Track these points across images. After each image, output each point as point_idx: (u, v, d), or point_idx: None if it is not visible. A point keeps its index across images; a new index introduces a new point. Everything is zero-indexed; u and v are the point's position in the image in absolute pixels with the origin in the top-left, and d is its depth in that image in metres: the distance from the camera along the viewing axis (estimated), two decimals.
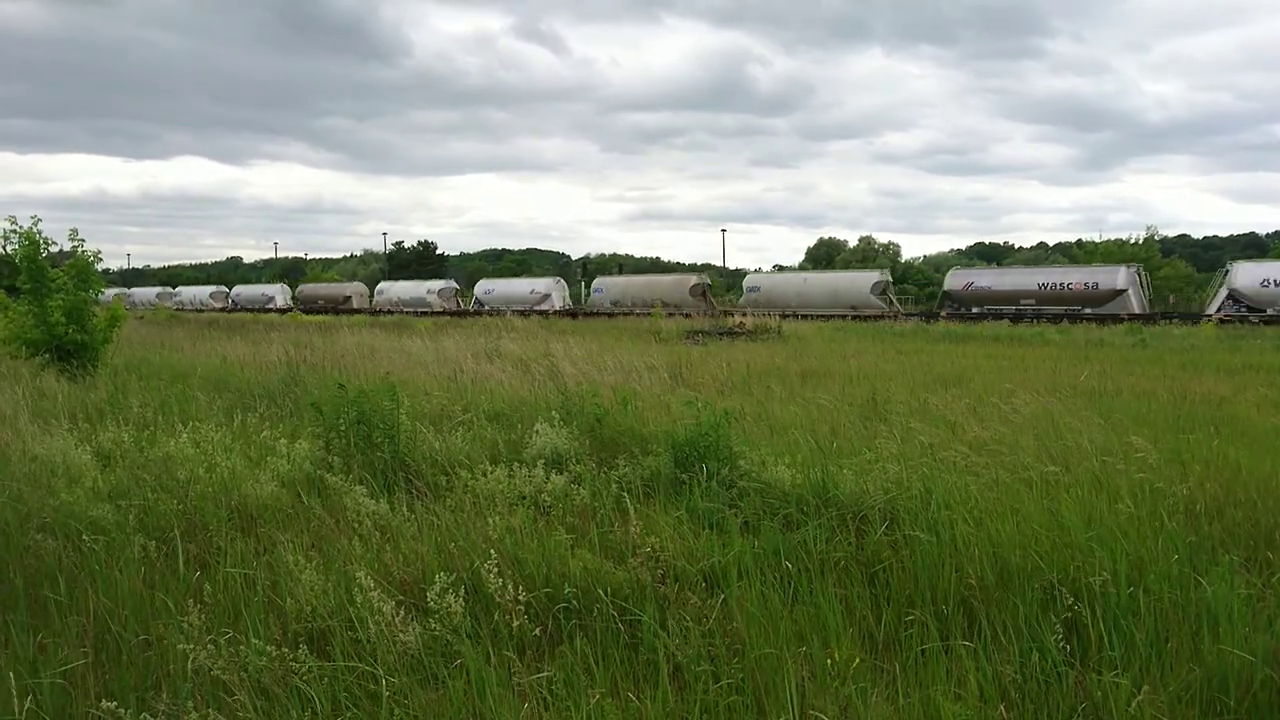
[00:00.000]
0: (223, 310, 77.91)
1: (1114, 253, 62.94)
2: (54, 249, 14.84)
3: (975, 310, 47.95)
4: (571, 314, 57.58)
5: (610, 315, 51.11)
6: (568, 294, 67.72)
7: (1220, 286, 44.06)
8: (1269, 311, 40.52)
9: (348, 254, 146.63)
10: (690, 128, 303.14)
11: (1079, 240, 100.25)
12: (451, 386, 11.75)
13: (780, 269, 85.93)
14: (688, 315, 44.98)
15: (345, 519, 5.99)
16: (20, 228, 14.37)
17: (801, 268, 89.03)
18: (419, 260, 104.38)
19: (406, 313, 60.60)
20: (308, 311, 63.52)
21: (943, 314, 48.39)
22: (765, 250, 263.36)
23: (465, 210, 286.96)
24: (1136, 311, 43.80)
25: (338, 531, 5.75)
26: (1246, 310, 41.37)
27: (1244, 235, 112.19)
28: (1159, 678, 3.96)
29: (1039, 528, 5.20)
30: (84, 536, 5.60)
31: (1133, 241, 67.90)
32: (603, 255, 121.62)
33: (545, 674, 4.01)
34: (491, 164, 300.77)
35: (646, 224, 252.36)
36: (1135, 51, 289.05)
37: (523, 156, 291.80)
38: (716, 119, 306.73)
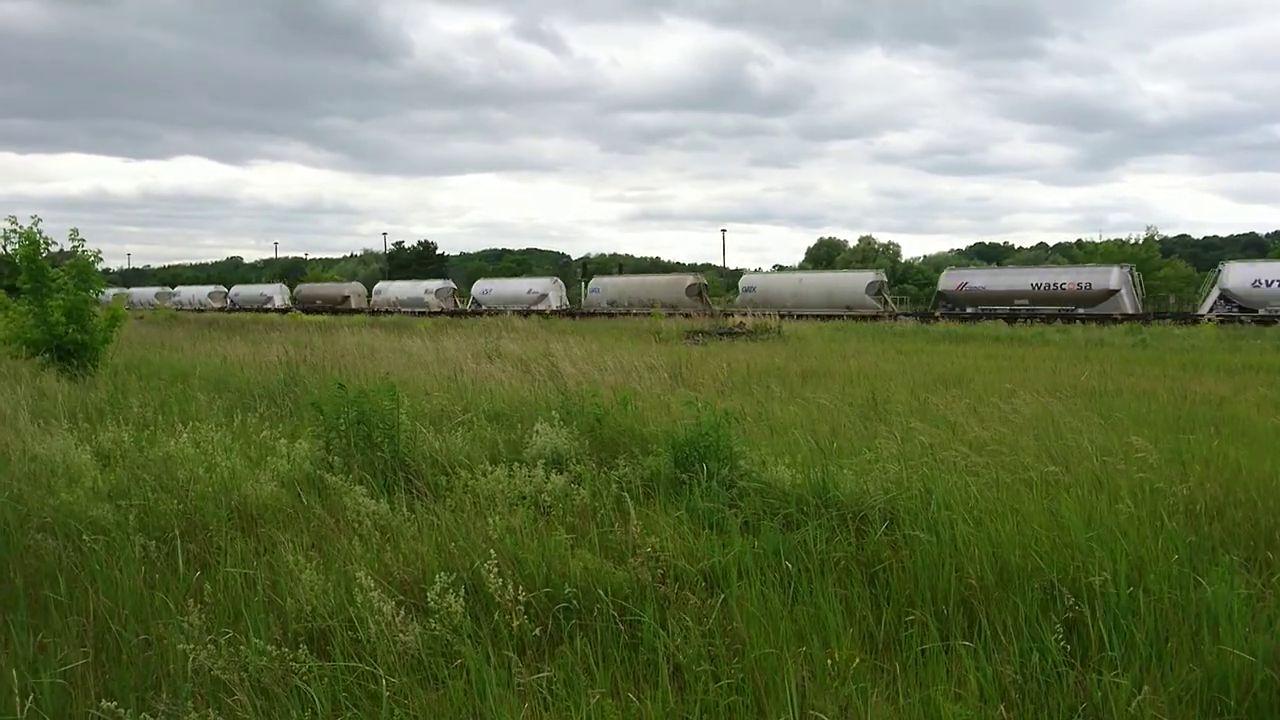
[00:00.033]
0: (221, 310, 77.91)
1: (1114, 253, 62.95)
2: (54, 249, 14.83)
3: (970, 310, 48.06)
4: (569, 314, 57.67)
5: (610, 315, 51.16)
6: (564, 294, 67.90)
7: (1212, 287, 44.33)
8: (1260, 312, 40.73)
9: (348, 254, 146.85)
10: (690, 128, 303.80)
11: (1079, 240, 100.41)
12: (451, 386, 11.75)
13: (780, 269, 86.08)
14: (687, 315, 45.07)
15: (345, 519, 5.99)
16: (20, 228, 14.38)
17: (801, 268, 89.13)
18: (419, 260, 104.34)
19: (405, 313, 60.68)
20: (306, 311, 63.53)
21: (937, 314, 48.52)
22: (765, 250, 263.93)
23: (465, 210, 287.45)
24: (1129, 311, 44.02)
25: (338, 531, 5.74)
26: (1238, 310, 41.55)
27: (1244, 235, 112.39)
28: (1159, 678, 3.96)
29: (1039, 528, 5.20)
30: (84, 536, 5.60)
31: (1133, 242, 67.94)
32: (603, 255, 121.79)
33: (545, 674, 4.00)
34: (491, 164, 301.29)
35: (647, 224, 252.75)
36: (1135, 51, 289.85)
37: (523, 156, 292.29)
38: (716, 119, 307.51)
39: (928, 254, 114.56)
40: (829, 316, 45.12)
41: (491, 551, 4.87)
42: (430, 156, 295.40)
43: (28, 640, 4.39)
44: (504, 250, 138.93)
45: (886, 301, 53.27)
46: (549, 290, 66.47)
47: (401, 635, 4.22)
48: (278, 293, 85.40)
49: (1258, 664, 3.91)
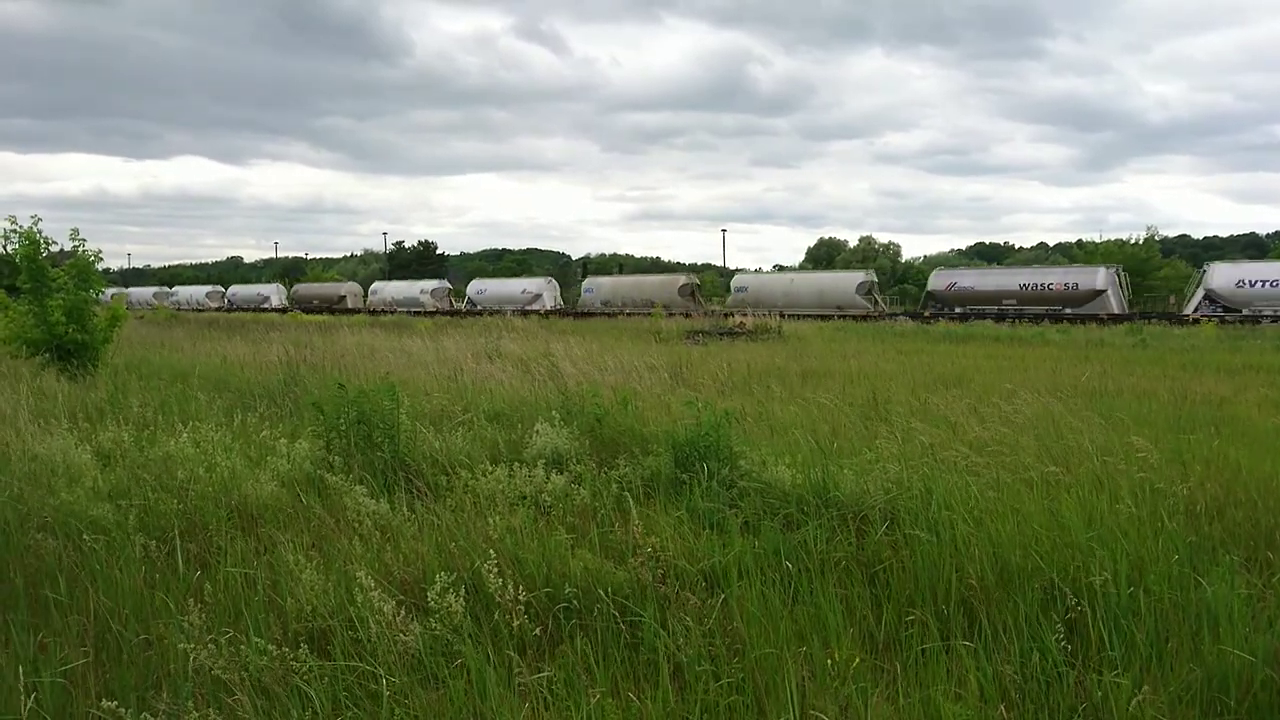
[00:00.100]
0: (219, 310, 77.95)
1: (1114, 253, 62.85)
2: (54, 249, 14.82)
3: (959, 310, 48.25)
4: (568, 314, 57.82)
5: (610, 315, 51.26)
6: (559, 294, 68.17)
7: (1197, 287, 44.74)
8: (1245, 311, 41.01)
9: (348, 254, 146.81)
10: (691, 128, 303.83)
11: (1079, 240, 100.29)
12: (452, 386, 11.75)
13: (780, 269, 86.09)
14: (687, 315, 45.12)
15: (345, 519, 5.99)
16: (20, 227, 14.37)
17: (802, 268, 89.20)
18: (419, 260, 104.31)
19: (402, 312, 60.81)
20: (304, 311, 63.59)
21: (926, 313, 48.72)
22: (766, 250, 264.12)
23: (466, 210, 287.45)
24: (1115, 311, 44.44)
25: (338, 531, 5.74)
26: (1223, 310, 41.75)
27: (1244, 235, 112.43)
28: (1159, 678, 3.96)
29: (1039, 528, 5.20)
30: (84, 536, 5.60)
31: (1133, 242, 67.79)
32: (603, 255, 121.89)
33: (546, 674, 4.01)
34: (492, 164, 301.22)
35: (647, 224, 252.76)
36: (1136, 52, 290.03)
37: (523, 156, 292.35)
38: (717, 119, 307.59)
39: (928, 254, 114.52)
40: (822, 316, 45.36)
41: (492, 551, 4.87)
42: (431, 156, 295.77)
43: (28, 640, 4.39)
44: (504, 250, 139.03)
45: (877, 301, 53.66)
46: (543, 290, 66.76)
47: (402, 635, 4.22)
48: (274, 292, 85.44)
49: (1258, 664, 3.91)
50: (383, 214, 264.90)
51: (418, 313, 60.29)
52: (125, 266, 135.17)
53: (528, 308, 60.53)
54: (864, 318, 46.57)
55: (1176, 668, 4.02)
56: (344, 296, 78.58)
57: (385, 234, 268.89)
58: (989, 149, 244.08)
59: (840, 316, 45.82)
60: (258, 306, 79.06)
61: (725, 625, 4.42)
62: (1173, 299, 54.50)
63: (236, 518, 6.21)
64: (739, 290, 57.98)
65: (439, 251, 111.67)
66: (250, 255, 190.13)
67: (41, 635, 4.47)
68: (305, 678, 3.92)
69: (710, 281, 76.65)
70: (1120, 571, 4.65)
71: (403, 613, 4.34)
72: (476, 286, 72.27)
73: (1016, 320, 42.59)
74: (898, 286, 78.68)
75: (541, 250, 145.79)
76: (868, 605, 4.75)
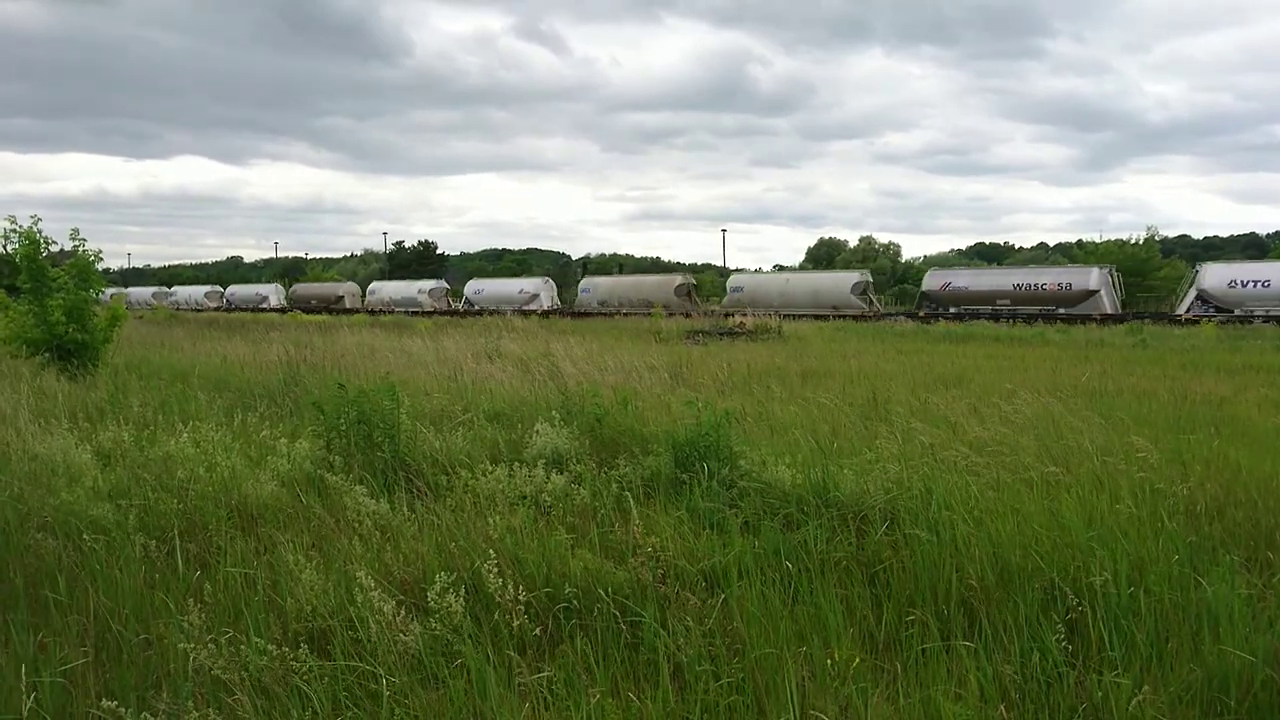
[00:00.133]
0: (218, 310, 77.98)
1: (1114, 253, 62.88)
2: (54, 248, 14.82)
3: (953, 310, 48.33)
4: (561, 313, 57.92)
5: (609, 315, 51.29)
6: (555, 294, 68.35)
7: (1190, 287, 44.80)
8: (1236, 312, 41.12)
9: (348, 254, 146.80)
10: (691, 128, 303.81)
11: (1079, 240, 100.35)
12: (452, 386, 11.75)
13: (780, 269, 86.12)
14: (688, 315, 45.15)
15: (345, 519, 5.99)
16: (20, 227, 14.37)
17: (802, 268, 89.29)
18: (419, 260, 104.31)
19: (399, 312, 60.88)
20: (302, 311, 63.62)
21: (921, 313, 48.79)
22: (766, 250, 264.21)
23: (466, 210, 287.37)
24: (1108, 311, 44.57)
25: (338, 531, 5.74)
26: (1215, 310, 41.80)
27: (1244, 235, 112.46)
28: (1159, 678, 3.96)
29: (1040, 528, 5.20)
30: (84, 536, 5.60)
31: (1133, 242, 67.80)
32: (603, 255, 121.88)
33: (546, 674, 4.01)
34: (492, 164, 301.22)
35: (647, 224, 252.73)
36: (1136, 52, 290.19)
37: (523, 156, 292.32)
38: (717, 119, 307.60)
39: (928, 254, 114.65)
40: (818, 316, 45.41)
41: (492, 551, 4.87)
42: (431, 156, 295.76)
43: (28, 639, 4.39)
44: (504, 250, 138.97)
45: (871, 301, 53.83)
46: (540, 290, 66.92)
47: (402, 635, 4.22)
48: (273, 292, 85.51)
49: (1258, 664, 3.91)
50: (383, 214, 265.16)
51: (416, 312, 60.38)
52: (125, 266, 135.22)
53: (525, 308, 60.61)
54: (860, 318, 46.66)
55: (1177, 668, 4.02)
56: (342, 296, 78.63)
57: (385, 234, 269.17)
58: (989, 149, 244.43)
59: (836, 316, 45.95)
60: (256, 306, 79.08)
61: (725, 625, 4.42)
62: (1172, 298, 54.58)
63: (236, 518, 6.20)
64: (735, 290, 58.06)
65: (439, 251, 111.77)
66: (250, 255, 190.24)
67: (41, 635, 4.47)
68: (305, 678, 3.92)
69: (710, 282, 76.68)
70: (1120, 571, 4.65)
71: (403, 613, 4.34)
72: (474, 286, 72.39)
73: (1011, 320, 42.64)
74: (898, 286, 78.67)
75: (541, 250, 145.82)
76: (868, 605, 4.75)
